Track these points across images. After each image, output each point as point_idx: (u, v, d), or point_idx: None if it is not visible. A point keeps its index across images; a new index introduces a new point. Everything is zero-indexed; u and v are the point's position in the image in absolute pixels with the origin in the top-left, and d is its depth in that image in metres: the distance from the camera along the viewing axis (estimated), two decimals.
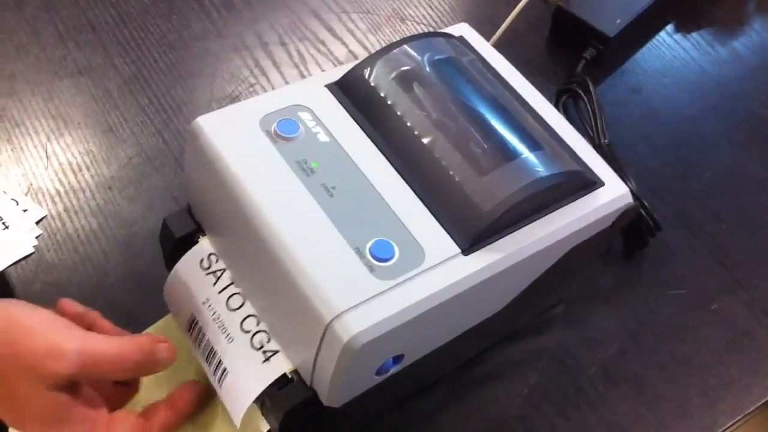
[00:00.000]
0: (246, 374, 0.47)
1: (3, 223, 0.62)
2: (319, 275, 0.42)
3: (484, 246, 0.44)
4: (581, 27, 0.76)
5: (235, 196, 0.45)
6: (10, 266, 0.60)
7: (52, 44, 0.75)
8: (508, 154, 0.47)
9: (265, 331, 0.47)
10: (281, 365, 0.46)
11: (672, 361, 0.60)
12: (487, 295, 0.47)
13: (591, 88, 0.69)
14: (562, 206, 0.47)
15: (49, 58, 0.74)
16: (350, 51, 0.78)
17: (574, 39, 0.77)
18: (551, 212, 0.47)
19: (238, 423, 0.47)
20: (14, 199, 0.63)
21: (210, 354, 0.49)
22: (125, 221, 0.64)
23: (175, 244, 0.51)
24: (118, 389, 0.51)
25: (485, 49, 0.55)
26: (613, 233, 0.53)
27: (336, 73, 0.51)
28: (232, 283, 0.49)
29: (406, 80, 0.49)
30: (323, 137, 0.48)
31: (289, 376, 0.46)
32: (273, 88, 0.74)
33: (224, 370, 0.48)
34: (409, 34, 0.80)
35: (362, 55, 0.78)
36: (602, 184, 0.49)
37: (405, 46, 0.51)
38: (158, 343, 0.47)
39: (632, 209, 0.50)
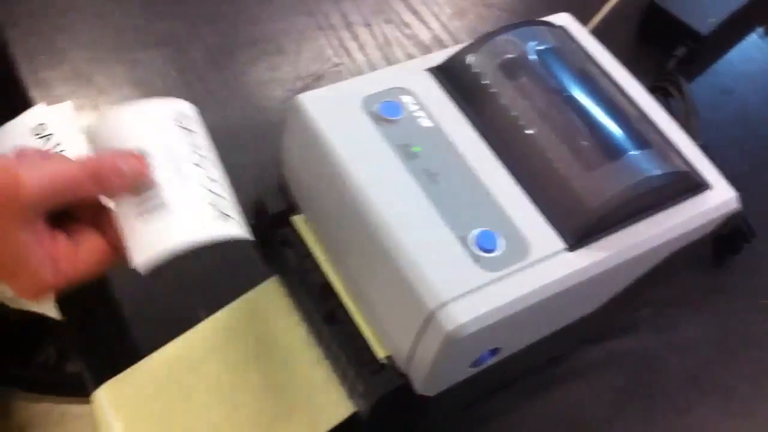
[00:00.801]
0: (192, 216, 0.43)
1: None
2: (424, 262, 0.41)
3: (589, 243, 0.43)
4: (674, 24, 0.74)
5: (337, 176, 0.44)
6: None
7: (136, 13, 0.75)
8: (617, 151, 0.45)
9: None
10: (379, 350, 0.46)
11: (762, 373, 0.58)
12: (587, 293, 0.46)
13: (684, 87, 0.67)
14: (670, 207, 0.46)
15: (133, 26, 0.74)
16: (435, 35, 0.77)
17: (665, 36, 0.75)
18: (658, 213, 0.46)
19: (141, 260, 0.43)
20: None
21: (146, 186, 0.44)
22: None
23: (270, 221, 0.51)
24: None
25: (588, 40, 0.54)
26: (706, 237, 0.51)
27: (437, 58, 0.50)
28: None
29: (511, 68, 0.48)
30: (425, 122, 0.47)
31: (383, 362, 0.46)
32: (357, 69, 0.73)
33: (161, 203, 0.43)
34: (494, 21, 0.79)
35: (447, 39, 0.77)
36: (709, 186, 0.48)
37: (509, 34, 0.50)
38: (118, 156, 0.43)
39: (737, 214, 0.49)
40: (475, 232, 0.42)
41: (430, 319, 0.40)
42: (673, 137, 0.49)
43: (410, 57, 0.75)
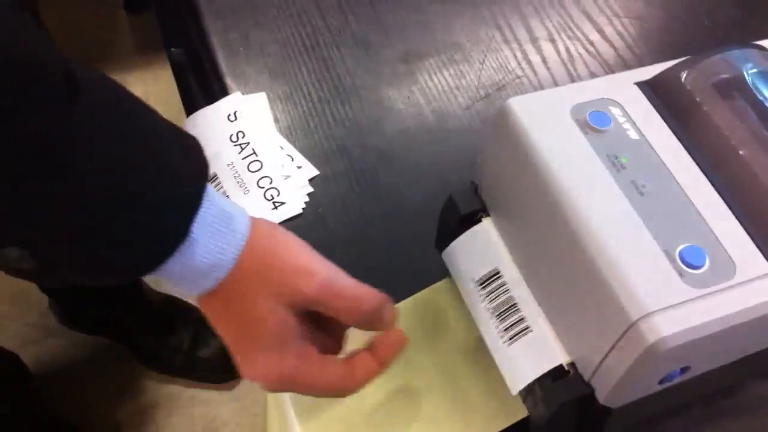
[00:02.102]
0: (554, 340, 0.47)
1: (282, 176, 0.65)
2: (628, 273, 0.41)
3: None
4: None
5: (542, 181, 0.45)
6: (281, 222, 0.63)
7: (333, 15, 0.78)
8: None
9: None
10: (561, 355, 0.46)
11: None
12: None
13: None
14: None
15: (328, 27, 0.77)
16: (619, 55, 0.77)
17: None
18: None
19: (519, 389, 0.47)
20: (290, 155, 0.66)
21: (508, 310, 0.49)
22: (390, 192, 0.66)
23: (459, 221, 0.52)
24: (327, 341, 0.50)
25: None
26: None
27: (646, 73, 0.50)
28: None
29: (726, 88, 0.48)
30: (633, 134, 0.47)
31: (566, 368, 0.46)
32: (539, 83, 0.74)
33: (526, 328, 0.48)
34: (678, 46, 0.78)
35: (631, 60, 0.76)
36: None
37: (723, 55, 0.50)
38: (388, 301, 0.47)
39: None
40: (682, 246, 0.42)
41: (630, 330, 0.40)
42: None
43: (593, 75, 0.75)
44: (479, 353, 0.54)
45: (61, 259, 0.41)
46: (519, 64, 0.75)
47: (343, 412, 0.53)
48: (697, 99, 0.48)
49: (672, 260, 0.42)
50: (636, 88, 0.50)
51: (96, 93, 0.39)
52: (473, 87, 0.73)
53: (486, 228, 0.51)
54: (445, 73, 0.74)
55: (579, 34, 0.78)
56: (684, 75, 0.49)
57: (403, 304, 0.57)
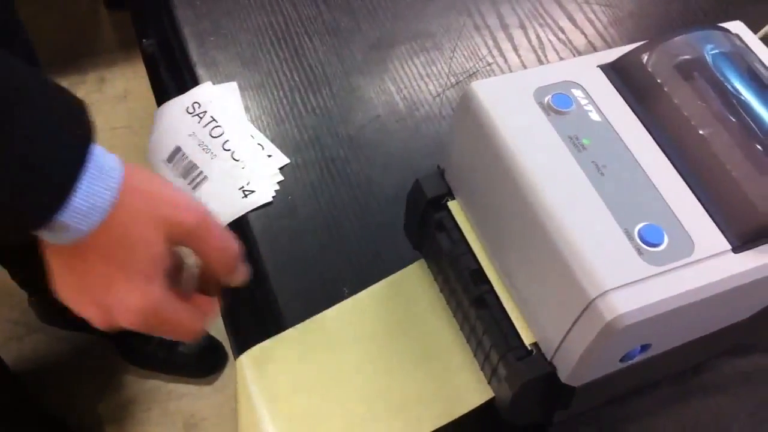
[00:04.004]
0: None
1: (253, 165, 0.65)
2: (587, 251, 0.41)
3: (755, 246, 0.43)
4: None
5: (505, 163, 0.45)
6: (251, 211, 0.63)
7: (304, 2, 0.78)
8: None
9: None
10: (525, 335, 0.46)
11: None
12: (744, 298, 0.45)
13: None
14: None
15: (300, 16, 0.77)
16: (589, 41, 0.77)
17: None
18: None
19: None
20: (260, 144, 0.66)
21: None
22: (361, 180, 0.66)
23: (426, 205, 0.52)
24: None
25: (761, 49, 0.53)
26: None
27: (609, 55, 0.51)
28: None
29: (686, 69, 0.48)
30: (595, 116, 0.47)
31: (529, 348, 0.46)
32: (510, 70, 0.74)
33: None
34: (651, 30, 0.78)
35: (601, 46, 0.77)
36: None
37: (685, 36, 0.50)
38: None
39: None
40: (641, 225, 0.42)
41: (589, 308, 0.40)
42: None
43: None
44: (451, 335, 0.54)
45: None
46: (490, 51, 0.76)
47: (318, 398, 0.53)
48: (658, 80, 0.48)
49: (631, 238, 0.42)
50: (599, 70, 0.50)
51: None
52: (444, 74, 0.73)
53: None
54: (416, 61, 0.74)
55: (549, 21, 0.79)
56: (645, 57, 0.49)
57: (376, 287, 0.57)
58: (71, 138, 0.42)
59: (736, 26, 0.54)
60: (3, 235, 0.42)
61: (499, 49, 0.76)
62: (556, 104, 0.47)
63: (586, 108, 0.48)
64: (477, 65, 0.74)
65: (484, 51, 0.76)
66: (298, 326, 0.56)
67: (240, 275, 0.50)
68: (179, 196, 0.46)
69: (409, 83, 0.73)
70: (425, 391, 0.53)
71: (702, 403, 0.56)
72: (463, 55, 0.75)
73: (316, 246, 0.62)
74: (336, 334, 0.55)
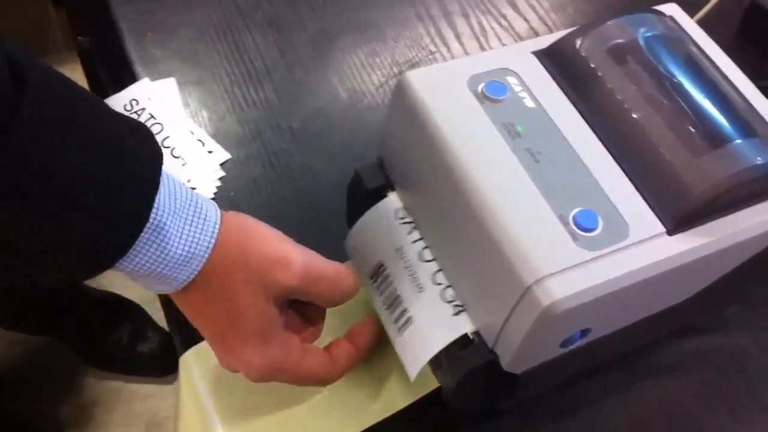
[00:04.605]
0: (432, 325, 0.47)
1: (193, 161, 0.64)
2: (522, 238, 0.41)
3: (690, 228, 0.43)
4: None
5: (439, 152, 0.45)
6: None
7: None
8: (723, 138, 0.45)
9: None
10: (466, 324, 0.46)
11: None
12: (683, 279, 0.45)
13: None
14: None
15: (239, 9, 0.76)
16: (532, 27, 0.77)
17: (765, 37, 0.73)
18: (760, 203, 0.45)
19: (414, 375, 0.47)
20: (201, 140, 0.66)
21: (395, 302, 0.49)
22: (305, 172, 0.65)
23: (365, 196, 0.52)
24: (307, 325, 0.50)
25: (695, 30, 0.53)
26: None
27: (544, 41, 0.51)
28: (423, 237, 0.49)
29: (619, 53, 0.48)
30: (529, 102, 0.47)
31: (471, 337, 0.46)
32: (452, 58, 0.74)
33: (408, 318, 0.48)
34: (593, 15, 0.79)
35: (544, 32, 0.77)
36: None
37: (618, 20, 0.50)
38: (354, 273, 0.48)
39: None
40: (575, 210, 0.42)
41: (525, 295, 0.40)
42: None
43: None
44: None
45: (27, 256, 0.39)
46: (432, 39, 0.75)
47: (262, 393, 0.53)
48: (592, 65, 0.48)
49: (566, 224, 0.42)
50: (533, 57, 0.50)
51: (43, 82, 0.36)
52: (387, 64, 0.73)
53: (395, 201, 0.51)
54: (359, 52, 0.74)
55: (492, 8, 0.78)
56: (578, 42, 0.49)
57: None
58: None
59: (671, 8, 0.55)
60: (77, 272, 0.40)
61: (442, 38, 0.76)
62: (490, 92, 0.47)
63: (520, 95, 0.47)
64: (419, 54, 0.74)
65: (427, 40, 0.75)
66: None
67: (353, 294, 0.49)
68: (276, 252, 0.44)
69: (352, 74, 0.72)
70: (368, 383, 0.52)
71: (649, 386, 0.57)
72: (406, 44, 0.75)
73: None
74: None
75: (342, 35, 0.75)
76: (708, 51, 0.52)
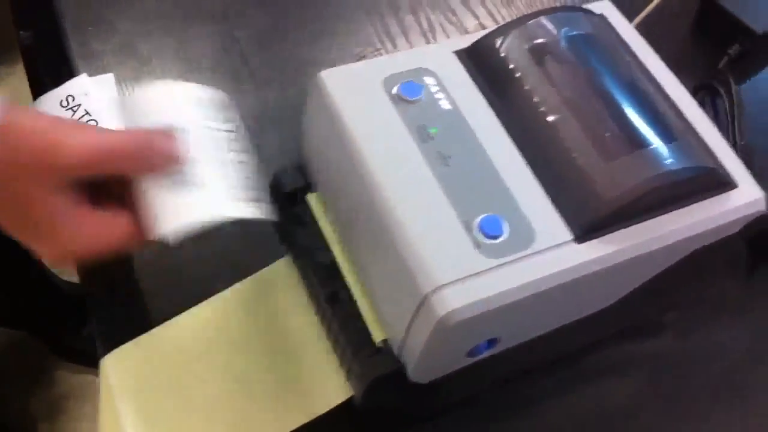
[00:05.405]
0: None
1: None
2: (423, 245, 0.40)
3: (599, 236, 0.42)
4: (729, 20, 0.71)
5: (349, 154, 0.44)
6: None
7: None
8: (639, 142, 0.44)
9: None
10: (377, 332, 0.45)
11: None
12: (596, 288, 0.44)
13: (732, 86, 0.65)
14: (690, 204, 0.44)
15: (184, 3, 0.75)
16: (480, 23, 0.76)
17: (719, 32, 0.72)
18: (676, 209, 0.44)
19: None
20: None
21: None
22: None
23: (284, 199, 0.51)
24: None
25: (627, 30, 0.52)
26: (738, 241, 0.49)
27: (467, 40, 0.49)
28: None
29: (539, 53, 0.47)
30: (445, 104, 0.46)
31: (379, 345, 0.45)
32: None
33: None
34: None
35: (492, 27, 0.75)
36: (735, 186, 0.46)
37: (542, 18, 0.49)
38: (157, 134, 0.45)
39: (764, 218, 0.47)
40: (481, 217, 0.41)
41: (423, 303, 0.39)
42: (705, 134, 0.47)
43: None
44: (310, 334, 0.53)
45: None
46: (379, 36, 0.74)
47: (177, 399, 0.52)
48: (510, 65, 0.47)
49: (470, 231, 0.41)
50: (454, 56, 0.49)
51: None
52: (333, 61, 0.72)
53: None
54: (306, 48, 0.73)
55: (441, 4, 0.77)
56: (499, 41, 0.48)
57: (239, 285, 0.56)
58: None
59: (603, 6, 0.53)
60: None
61: (389, 34, 0.74)
62: (405, 93, 0.46)
63: (436, 96, 0.46)
64: (365, 51, 0.73)
65: (374, 37, 0.74)
66: (163, 326, 0.54)
67: (157, 152, 0.44)
68: (39, 143, 0.41)
69: (298, 70, 0.71)
70: (284, 391, 0.51)
71: (584, 390, 0.56)
72: (355, 41, 0.74)
73: (187, 242, 0.60)
74: (200, 332, 0.54)
75: (289, 31, 0.74)
76: (638, 52, 0.51)
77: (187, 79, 0.68)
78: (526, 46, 0.47)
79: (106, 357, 0.54)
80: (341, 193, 0.47)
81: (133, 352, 0.54)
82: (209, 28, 0.73)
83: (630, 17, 0.68)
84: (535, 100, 0.45)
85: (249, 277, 0.56)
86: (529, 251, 0.41)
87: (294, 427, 0.50)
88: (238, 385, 0.52)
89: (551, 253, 0.41)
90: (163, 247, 0.58)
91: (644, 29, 0.69)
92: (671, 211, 0.44)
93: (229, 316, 0.54)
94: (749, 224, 0.47)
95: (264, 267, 0.57)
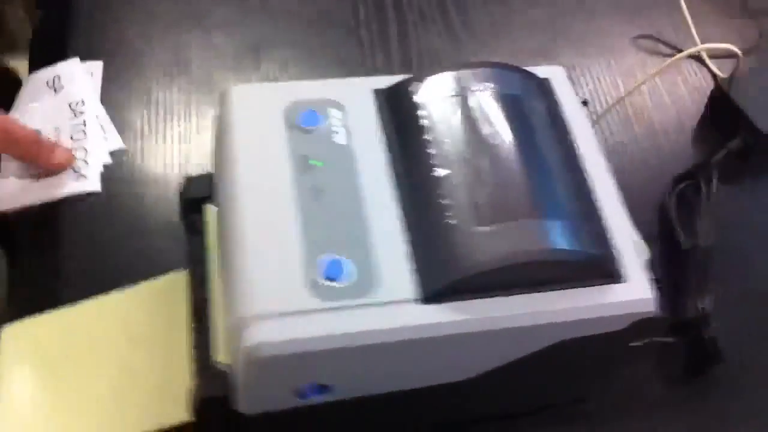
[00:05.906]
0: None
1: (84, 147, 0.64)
2: (253, 274, 0.39)
3: (449, 301, 0.40)
4: (735, 113, 0.67)
5: (228, 171, 0.44)
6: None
7: None
8: (520, 213, 0.41)
9: None
10: (217, 353, 0.44)
11: None
12: (444, 355, 0.42)
13: (713, 182, 0.61)
14: (561, 289, 0.41)
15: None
16: None
17: (725, 122, 0.68)
18: (544, 291, 0.41)
19: None
20: (102, 126, 0.66)
21: None
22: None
23: (184, 204, 0.51)
24: None
25: (567, 98, 0.49)
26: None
27: (387, 81, 0.48)
28: None
29: (451, 105, 0.45)
30: (340, 139, 0.45)
31: (222, 368, 0.44)
32: None
33: None
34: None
35: None
36: (622, 279, 0.42)
37: (469, 71, 0.47)
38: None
39: (655, 320, 0.43)
40: (326, 256, 0.40)
41: (239, 332, 0.38)
42: (611, 220, 0.44)
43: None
44: (179, 348, 0.52)
45: None
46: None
47: (54, 373, 0.52)
48: (418, 112, 0.45)
49: (310, 268, 0.39)
50: (372, 94, 0.47)
51: None
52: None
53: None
54: (276, 53, 0.73)
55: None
56: (413, 87, 0.46)
57: (153, 281, 0.56)
58: None
59: (554, 72, 0.51)
60: None
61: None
62: (302, 121, 0.45)
63: (333, 129, 0.45)
64: None
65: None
66: (59, 310, 0.55)
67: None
68: None
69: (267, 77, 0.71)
70: (135, 400, 0.51)
71: None
72: None
73: (120, 235, 0.61)
74: (85, 326, 0.54)
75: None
76: (572, 124, 0.48)
77: (172, 77, 0.69)
78: (441, 96, 0.46)
79: (6, 327, 0.55)
80: (219, 208, 0.46)
81: (27, 329, 0.54)
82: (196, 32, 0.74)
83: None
84: (429, 151, 0.43)
85: (165, 275, 0.56)
86: (365, 300, 0.39)
87: (172, 423, 0.49)
88: (97, 387, 0.51)
89: (389, 308, 0.39)
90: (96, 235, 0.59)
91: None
92: (539, 291, 0.41)
93: (112, 317, 0.54)
94: (640, 322, 0.43)
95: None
